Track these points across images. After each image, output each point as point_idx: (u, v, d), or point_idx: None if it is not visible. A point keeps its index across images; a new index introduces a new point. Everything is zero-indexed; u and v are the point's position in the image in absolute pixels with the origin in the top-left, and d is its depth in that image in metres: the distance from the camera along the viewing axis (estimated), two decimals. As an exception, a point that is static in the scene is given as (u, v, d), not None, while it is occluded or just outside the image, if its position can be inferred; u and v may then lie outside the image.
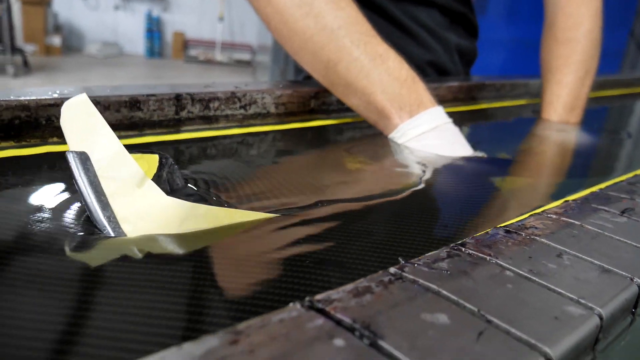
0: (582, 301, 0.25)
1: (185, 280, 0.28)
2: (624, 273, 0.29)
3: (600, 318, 0.25)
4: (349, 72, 0.58)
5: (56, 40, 6.36)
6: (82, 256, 0.30)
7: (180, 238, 0.32)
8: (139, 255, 0.30)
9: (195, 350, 0.18)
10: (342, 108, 0.67)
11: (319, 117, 0.64)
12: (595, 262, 0.30)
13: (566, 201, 0.41)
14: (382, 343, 0.20)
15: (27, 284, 0.26)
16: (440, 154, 0.57)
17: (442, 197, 0.48)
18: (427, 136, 0.58)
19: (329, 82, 0.60)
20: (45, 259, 0.29)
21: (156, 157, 0.35)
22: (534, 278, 0.27)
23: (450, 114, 0.61)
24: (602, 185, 0.47)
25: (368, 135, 0.62)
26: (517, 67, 2.86)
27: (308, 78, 0.93)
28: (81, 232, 0.32)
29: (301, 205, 0.40)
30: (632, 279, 0.28)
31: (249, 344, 0.19)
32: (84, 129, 0.31)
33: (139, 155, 0.34)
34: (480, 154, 0.59)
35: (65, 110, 0.32)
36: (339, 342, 0.20)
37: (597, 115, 1.09)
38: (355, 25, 0.58)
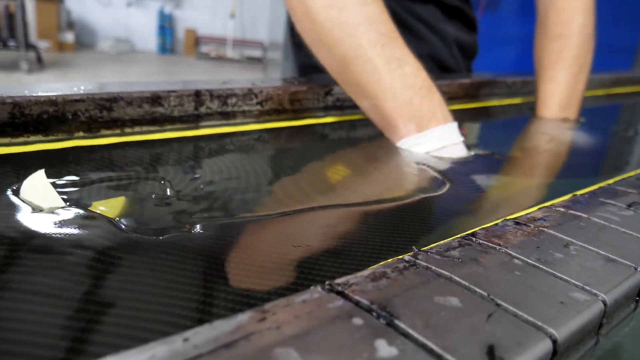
0: (587, 288, 0.26)
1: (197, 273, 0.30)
2: (628, 262, 0.30)
3: (604, 304, 0.26)
4: (361, 73, 0.55)
5: (69, 37, 6.41)
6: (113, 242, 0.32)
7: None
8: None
9: (226, 327, 0.20)
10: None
11: (333, 114, 0.65)
12: (601, 252, 0.31)
13: (574, 195, 0.42)
14: (397, 322, 0.21)
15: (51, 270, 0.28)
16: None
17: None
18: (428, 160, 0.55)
19: (340, 80, 0.58)
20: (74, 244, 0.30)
21: (122, 199, 0.36)
22: (542, 266, 0.28)
23: (460, 111, 0.62)
24: (611, 181, 0.48)
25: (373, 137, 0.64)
26: (530, 62, 2.86)
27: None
28: (108, 224, 0.33)
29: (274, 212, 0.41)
30: (636, 269, 0.30)
31: (275, 321, 0.21)
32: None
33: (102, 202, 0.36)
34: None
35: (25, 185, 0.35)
36: (357, 320, 0.21)
37: (610, 112, 1.09)
38: (376, 24, 0.55)
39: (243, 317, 0.20)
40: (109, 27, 6.98)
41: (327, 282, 0.24)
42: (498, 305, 0.24)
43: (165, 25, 7.00)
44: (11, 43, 5.41)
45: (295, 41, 0.93)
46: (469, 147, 0.59)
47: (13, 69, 5.19)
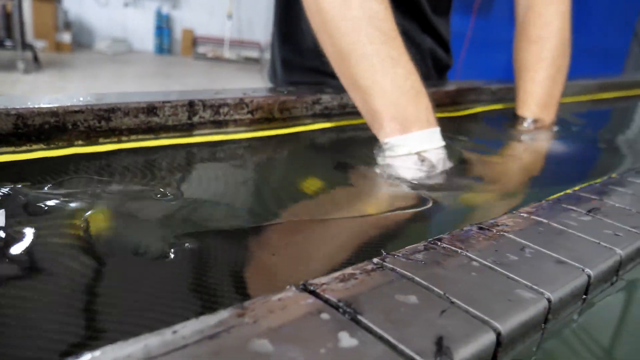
0: (535, 287, 0.30)
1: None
2: (577, 264, 0.33)
3: (549, 301, 0.29)
4: (356, 67, 0.57)
5: (66, 37, 6.43)
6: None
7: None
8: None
9: (210, 321, 0.23)
10: (343, 112, 0.71)
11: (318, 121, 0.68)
12: (554, 254, 0.34)
13: (540, 201, 0.45)
14: (360, 317, 0.25)
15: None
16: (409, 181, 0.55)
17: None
18: (407, 159, 0.57)
19: (338, 70, 0.60)
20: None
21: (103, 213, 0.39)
22: (496, 267, 0.31)
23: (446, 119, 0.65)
24: (577, 187, 0.51)
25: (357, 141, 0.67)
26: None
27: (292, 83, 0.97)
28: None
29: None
30: (583, 270, 0.33)
31: (252, 317, 0.24)
32: None
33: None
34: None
35: None
36: (325, 316, 0.24)
37: (593, 117, 1.13)
38: (377, 21, 0.57)
39: (225, 313, 0.24)
40: (106, 27, 7.00)
41: (301, 282, 0.27)
42: (452, 302, 0.27)
43: (163, 26, 7.02)
44: (8, 43, 5.42)
45: (281, 35, 0.96)
46: (451, 152, 0.61)
47: (10, 69, 5.20)
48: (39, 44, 6.02)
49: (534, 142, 0.79)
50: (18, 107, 0.45)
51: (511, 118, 0.86)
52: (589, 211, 0.43)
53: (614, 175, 0.56)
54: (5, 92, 4.47)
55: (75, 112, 0.48)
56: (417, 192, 0.52)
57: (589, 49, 2.98)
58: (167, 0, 7.04)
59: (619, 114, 1.25)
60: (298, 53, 0.93)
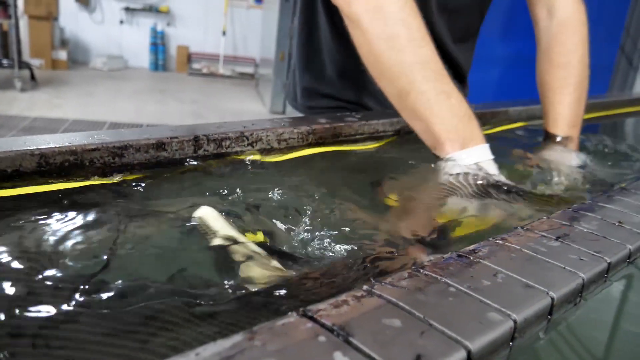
0: (503, 309, 0.34)
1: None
2: (542, 288, 0.38)
3: (515, 322, 0.34)
4: (416, 102, 0.69)
5: (62, 54, 6.49)
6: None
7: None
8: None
9: (226, 344, 0.28)
10: (336, 141, 0.76)
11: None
12: (522, 279, 0.39)
13: (515, 227, 0.50)
14: (352, 339, 0.29)
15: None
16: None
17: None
18: (468, 170, 0.68)
19: (399, 107, 0.71)
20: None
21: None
22: (471, 292, 0.36)
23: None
24: (553, 213, 0.56)
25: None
26: (512, 83, 2.95)
27: (310, 108, 1.03)
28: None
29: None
30: (547, 293, 0.38)
31: (261, 340, 0.28)
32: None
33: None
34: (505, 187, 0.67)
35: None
36: (322, 338, 0.29)
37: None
38: (429, 63, 0.69)
39: (238, 337, 0.28)
40: (102, 44, 7.06)
41: (301, 309, 0.32)
42: (430, 325, 0.32)
43: (158, 43, 7.09)
44: (4, 61, 5.48)
45: (302, 64, 1.04)
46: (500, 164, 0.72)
47: (7, 87, 5.25)
48: (36, 62, 6.07)
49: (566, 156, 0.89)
50: (41, 147, 0.50)
51: (543, 135, 0.96)
52: (558, 237, 0.48)
53: (586, 200, 0.61)
54: (2, 110, 4.51)
55: (92, 150, 0.53)
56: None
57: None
58: (162, 18, 7.12)
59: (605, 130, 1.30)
60: (318, 81, 1.02)
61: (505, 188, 0.65)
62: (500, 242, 0.45)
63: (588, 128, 1.24)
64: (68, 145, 0.52)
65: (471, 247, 0.44)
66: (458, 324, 0.32)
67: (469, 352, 0.30)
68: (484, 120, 1.04)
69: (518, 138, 1.05)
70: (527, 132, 1.09)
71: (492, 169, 0.69)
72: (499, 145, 0.97)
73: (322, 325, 0.30)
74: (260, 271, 0.43)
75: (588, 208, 0.57)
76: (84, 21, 6.98)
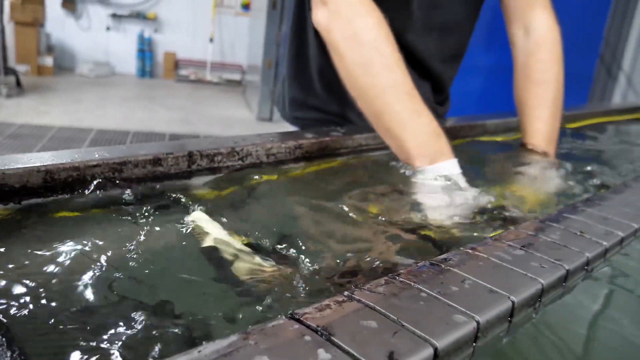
0: (467, 312, 0.39)
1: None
2: (504, 293, 0.42)
3: (478, 323, 0.38)
4: (390, 122, 0.75)
5: (48, 61, 6.48)
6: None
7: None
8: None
9: (224, 343, 0.32)
10: (322, 155, 0.80)
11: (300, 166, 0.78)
12: (487, 285, 0.43)
13: (485, 237, 0.55)
14: (333, 338, 0.33)
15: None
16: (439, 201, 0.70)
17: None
18: (438, 183, 0.73)
19: (375, 125, 0.77)
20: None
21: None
22: (440, 297, 0.40)
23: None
24: (523, 224, 0.61)
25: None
26: (496, 92, 3.01)
27: (297, 118, 1.08)
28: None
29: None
30: (509, 297, 0.42)
31: (254, 339, 0.32)
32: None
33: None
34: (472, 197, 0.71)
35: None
36: (307, 337, 0.33)
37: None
38: (401, 86, 0.75)
39: (234, 337, 0.32)
40: (89, 50, 7.06)
41: (289, 312, 0.36)
42: (403, 325, 0.36)
43: (145, 49, 7.10)
44: (-10, 68, 5.46)
45: (291, 76, 1.09)
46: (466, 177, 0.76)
47: (-7, 93, 5.24)
48: (22, 68, 6.06)
49: (542, 171, 0.93)
50: (47, 164, 0.54)
51: (519, 150, 1.00)
52: (523, 246, 0.52)
53: (552, 212, 0.66)
54: (-12, 117, 4.50)
55: (94, 166, 0.57)
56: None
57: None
58: (149, 24, 7.13)
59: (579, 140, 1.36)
60: (305, 93, 1.07)
61: (471, 200, 0.70)
62: (470, 251, 0.50)
63: (568, 139, 1.29)
64: (71, 161, 0.56)
65: (443, 256, 0.49)
66: (427, 325, 0.36)
67: (435, 350, 0.34)
68: (462, 132, 1.09)
69: (499, 150, 1.10)
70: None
71: (460, 182, 0.74)
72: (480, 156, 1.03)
73: (308, 327, 0.34)
74: (245, 268, 0.48)
75: (553, 219, 0.62)
76: (70, 27, 6.98)
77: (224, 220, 0.55)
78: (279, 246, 0.53)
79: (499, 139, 1.16)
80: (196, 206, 0.57)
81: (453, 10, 1.02)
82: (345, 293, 0.39)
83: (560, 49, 1.02)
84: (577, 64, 3.19)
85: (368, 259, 0.53)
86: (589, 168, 1.01)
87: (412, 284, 0.42)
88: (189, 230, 0.52)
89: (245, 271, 0.48)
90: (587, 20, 3.25)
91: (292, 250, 0.52)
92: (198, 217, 0.54)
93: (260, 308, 0.43)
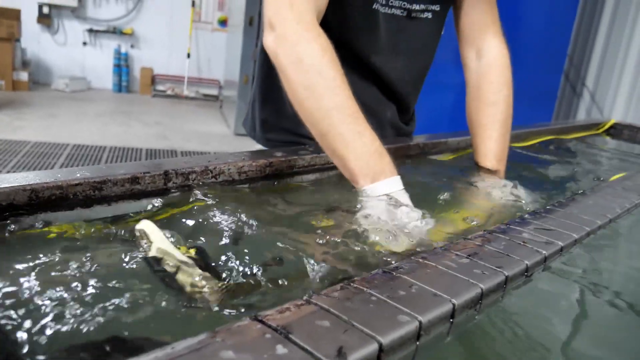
0: (412, 313, 0.44)
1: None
2: (446, 296, 0.48)
3: (420, 323, 0.43)
4: (334, 142, 0.78)
5: (24, 76, 6.44)
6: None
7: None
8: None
9: (194, 340, 0.36)
10: (292, 172, 0.85)
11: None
12: (432, 290, 0.49)
13: (435, 248, 0.60)
14: (291, 336, 0.38)
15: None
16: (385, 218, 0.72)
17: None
18: (379, 200, 0.75)
19: (321, 145, 0.81)
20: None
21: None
22: (389, 300, 0.46)
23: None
24: (470, 235, 0.67)
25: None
26: (462, 108, 3.11)
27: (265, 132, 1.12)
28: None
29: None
30: (450, 300, 0.48)
31: (222, 337, 0.37)
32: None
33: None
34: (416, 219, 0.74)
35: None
36: (268, 335, 0.38)
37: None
38: (344, 108, 0.78)
39: (203, 335, 0.37)
40: (65, 65, 7.03)
41: (253, 314, 0.41)
42: (353, 325, 0.41)
43: (122, 64, 7.11)
44: (-36, 83, 5.41)
45: (262, 98, 1.13)
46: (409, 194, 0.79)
47: (-34, 109, 5.19)
48: (-4, 83, 6.01)
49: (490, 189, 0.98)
50: (32, 183, 0.58)
51: (473, 168, 1.06)
52: (469, 255, 0.58)
53: (502, 224, 0.72)
54: (-38, 132, 4.46)
55: (76, 184, 0.61)
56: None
57: (522, 91, 3.24)
58: (126, 40, 7.15)
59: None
60: (277, 115, 1.11)
61: (411, 216, 0.74)
62: (421, 260, 0.55)
63: (521, 156, 1.37)
64: (54, 181, 0.60)
65: (396, 264, 0.54)
66: (374, 324, 0.41)
67: (380, 345, 0.40)
68: (425, 149, 1.16)
69: (456, 169, 1.16)
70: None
71: (403, 199, 0.77)
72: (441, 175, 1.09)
73: (269, 326, 0.39)
74: (186, 280, 0.51)
75: (501, 230, 0.68)
76: (46, 42, 6.95)
77: (170, 233, 0.57)
78: (224, 257, 0.57)
79: (450, 157, 1.22)
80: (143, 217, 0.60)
81: (417, 34, 1.08)
82: (304, 297, 0.44)
83: (510, 73, 1.09)
84: (543, 81, 3.32)
85: (305, 270, 0.57)
86: (538, 184, 1.08)
87: (365, 289, 0.47)
88: (134, 239, 0.56)
89: (186, 282, 0.51)
90: (551, 38, 3.37)
91: (233, 263, 0.56)
92: (145, 226, 0.57)
93: (198, 318, 0.47)
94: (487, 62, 1.08)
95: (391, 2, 1.00)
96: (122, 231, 0.59)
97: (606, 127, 2.02)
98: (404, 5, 1.02)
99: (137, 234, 0.57)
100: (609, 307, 0.66)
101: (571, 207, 0.83)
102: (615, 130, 2.01)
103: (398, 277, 0.51)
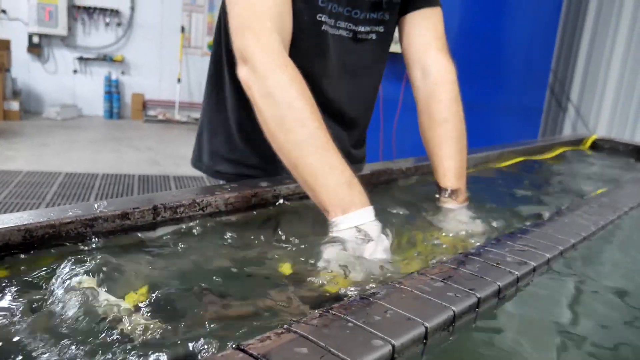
0: (385, 337, 0.47)
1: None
2: (419, 320, 0.51)
3: (393, 346, 0.46)
4: (304, 173, 0.80)
5: (14, 105, 6.47)
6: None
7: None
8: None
9: (180, 371, 0.39)
10: (274, 202, 0.89)
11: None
12: (406, 314, 0.52)
13: (412, 272, 0.63)
14: (270, 363, 0.41)
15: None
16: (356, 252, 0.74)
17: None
18: (349, 232, 0.76)
19: (294, 176, 0.82)
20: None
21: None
22: (365, 326, 0.49)
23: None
24: (445, 258, 0.70)
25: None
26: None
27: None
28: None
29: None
30: (423, 323, 0.51)
31: (206, 367, 0.40)
32: None
33: None
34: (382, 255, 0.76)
35: None
36: (249, 364, 0.41)
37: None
38: (313, 139, 0.80)
39: (189, 366, 0.40)
40: (56, 93, 7.07)
41: (235, 344, 0.44)
42: (329, 351, 0.44)
43: (112, 91, 7.16)
44: (-45, 114, 5.43)
45: (211, 129, 1.15)
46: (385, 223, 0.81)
47: (-42, 140, 5.20)
48: (-14, 114, 6.03)
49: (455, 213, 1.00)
50: (26, 223, 0.61)
51: (434, 189, 1.07)
52: (444, 279, 0.61)
53: (480, 244, 0.75)
54: (-47, 164, 4.47)
55: (68, 223, 0.64)
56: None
57: (508, 107, 3.31)
58: (117, 66, 7.21)
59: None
60: (226, 147, 1.12)
61: (379, 249, 0.76)
62: (397, 285, 0.59)
63: (497, 176, 1.40)
64: (47, 220, 0.63)
65: (373, 290, 0.57)
66: (350, 349, 0.44)
67: (355, 369, 0.43)
68: (395, 175, 1.19)
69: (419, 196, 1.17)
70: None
71: (372, 230, 0.77)
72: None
73: (250, 355, 0.42)
74: (128, 326, 0.53)
75: (475, 252, 0.72)
76: (36, 71, 7.00)
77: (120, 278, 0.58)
78: (172, 299, 0.58)
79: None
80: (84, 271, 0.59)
81: (364, 55, 1.10)
82: (285, 325, 0.47)
83: (457, 88, 1.10)
84: (528, 96, 3.38)
85: (262, 309, 0.59)
86: (517, 204, 1.11)
87: (342, 315, 0.50)
88: (79, 294, 0.55)
89: (131, 329, 0.52)
90: (534, 53, 3.43)
91: (180, 305, 0.57)
92: (84, 280, 0.56)
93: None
94: (434, 80, 1.09)
95: (338, 23, 1.03)
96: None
97: (589, 142, 2.06)
98: (350, 26, 1.05)
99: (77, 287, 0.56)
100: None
101: (547, 226, 0.86)
102: (598, 145, 2.06)
103: (374, 303, 0.54)
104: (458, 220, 0.97)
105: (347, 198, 0.79)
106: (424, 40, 1.10)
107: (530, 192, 1.31)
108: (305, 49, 1.00)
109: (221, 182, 1.12)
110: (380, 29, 1.09)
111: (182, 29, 7.16)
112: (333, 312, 0.51)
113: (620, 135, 3.61)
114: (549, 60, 3.68)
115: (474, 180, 1.29)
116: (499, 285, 0.62)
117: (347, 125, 1.15)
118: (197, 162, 1.20)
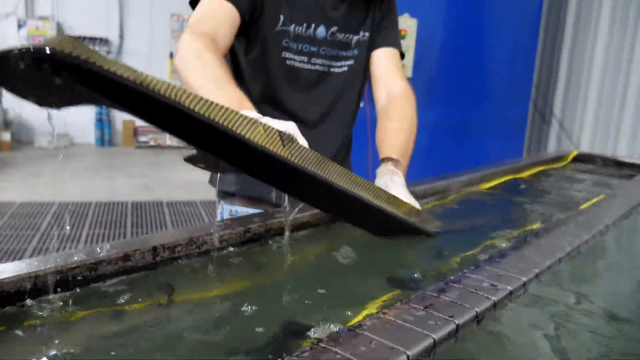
0: (369, 367, 0.52)
1: None
2: (401, 349, 0.56)
3: (377, 376, 0.51)
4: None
5: (6, 136, 6.51)
6: None
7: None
8: None
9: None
10: (267, 235, 0.93)
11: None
12: (389, 344, 0.57)
13: (396, 302, 0.68)
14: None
15: None
16: None
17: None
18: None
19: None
20: None
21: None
22: (351, 357, 0.53)
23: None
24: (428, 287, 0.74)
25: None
26: (436, 147, 3.22)
27: None
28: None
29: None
30: (404, 352, 0.55)
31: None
32: None
33: None
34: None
35: None
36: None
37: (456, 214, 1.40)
38: (214, 82, 0.97)
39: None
40: (47, 122, 7.06)
41: (234, 380, 0.48)
42: (320, 382, 0.49)
43: (103, 119, 7.21)
44: (-53, 147, 5.46)
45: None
46: None
47: (-50, 173, 5.22)
48: (-22, 145, 6.06)
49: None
50: (36, 270, 0.66)
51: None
52: (426, 307, 0.66)
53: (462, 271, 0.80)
54: (-53, 198, 4.48)
55: (73, 268, 0.69)
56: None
57: (493, 120, 3.39)
58: (107, 94, 7.26)
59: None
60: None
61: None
62: (382, 315, 0.63)
63: (490, 196, 1.46)
64: (54, 266, 0.67)
65: (360, 321, 0.62)
66: (336, 380, 0.49)
67: (341, 399, 0.47)
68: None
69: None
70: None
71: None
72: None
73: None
74: None
75: (456, 280, 0.76)
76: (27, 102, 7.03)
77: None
78: None
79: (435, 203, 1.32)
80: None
81: (337, 85, 1.28)
82: (278, 360, 0.52)
83: (415, 104, 1.28)
84: (511, 111, 3.46)
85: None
86: (499, 226, 1.17)
87: (331, 347, 0.55)
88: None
89: None
90: (516, 67, 3.51)
91: None
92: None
93: None
94: (396, 95, 1.27)
95: (313, 60, 1.21)
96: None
97: (569, 158, 2.13)
98: (325, 62, 1.24)
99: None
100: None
101: (523, 249, 0.91)
102: (579, 161, 2.12)
103: (360, 334, 0.58)
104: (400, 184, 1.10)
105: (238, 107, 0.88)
106: (390, 70, 1.31)
107: (511, 214, 1.36)
108: (279, 82, 1.18)
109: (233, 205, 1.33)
110: (351, 62, 1.29)
111: (171, 55, 7.24)
112: (322, 345, 0.55)
113: (603, 146, 3.69)
114: (530, 73, 3.77)
115: (457, 203, 1.35)
116: (476, 311, 0.67)
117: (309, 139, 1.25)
118: (210, 182, 1.41)
